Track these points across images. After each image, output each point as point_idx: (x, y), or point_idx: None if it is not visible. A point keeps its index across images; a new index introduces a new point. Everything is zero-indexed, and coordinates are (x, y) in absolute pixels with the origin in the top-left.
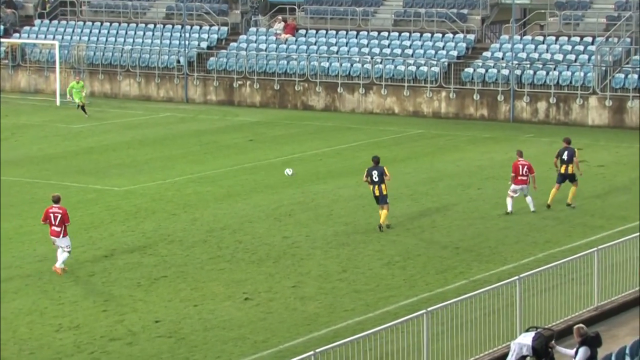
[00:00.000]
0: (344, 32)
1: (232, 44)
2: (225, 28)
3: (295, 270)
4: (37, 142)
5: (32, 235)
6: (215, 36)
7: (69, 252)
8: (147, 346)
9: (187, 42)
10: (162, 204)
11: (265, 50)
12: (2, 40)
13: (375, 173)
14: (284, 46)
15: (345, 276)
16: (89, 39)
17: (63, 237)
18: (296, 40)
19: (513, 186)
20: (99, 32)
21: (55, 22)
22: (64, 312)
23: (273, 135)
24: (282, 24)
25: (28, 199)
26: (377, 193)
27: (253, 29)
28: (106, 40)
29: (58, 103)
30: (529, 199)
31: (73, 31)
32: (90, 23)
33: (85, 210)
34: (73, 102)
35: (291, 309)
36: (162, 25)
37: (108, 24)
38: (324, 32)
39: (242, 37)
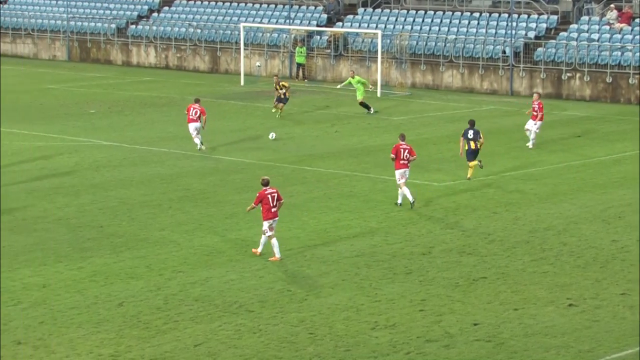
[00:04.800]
0: None
1: (561, 33)
2: (555, 17)
3: (624, 277)
4: (357, 133)
5: (350, 230)
6: (544, 25)
7: None
8: (465, 349)
9: (513, 32)
10: (483, 201)
11: (598, 41)
12: (325, 29)
13: (471, 132)
14: (618, 36)
15: None
16: (411, 28)
17: None
18: (632, 30)
19: (396, 172)
20: (422, 20)
21: (378, 10)
22: (380, 310)
23: (604, 131)
24: (616, 12)
25: (347, 192)
26: (472, 147)
27: (585, 18)
28: (429, 29)
29: (379, 94)
30: (406, 189)
31: (396, 20)
32: (414, 12)
33: (403, 205)
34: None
35: (619, 318)
36: (488, 14)
37: (432, 12)
38: None
39: (573, 26)
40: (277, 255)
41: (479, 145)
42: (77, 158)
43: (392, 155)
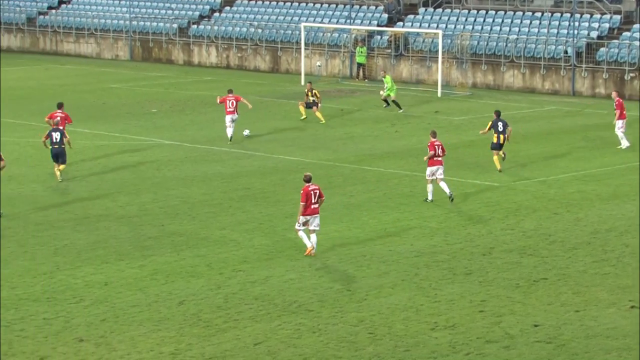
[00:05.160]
0: None
1: (624, 33)
2: (618, 16)
3: None
4: (417, 133)
5: (410, 230)
6: (607, 25)
7: None
8: (525, 351)
9: (575, 32)
10: (543, 202)
11: None
12: (386, 29)
13: (500, 125)
14: None
15: None
16: (473, 28)
17: None
18: None
19: (428, 169)
20: (484, 20)
21: (439, 10)
22: (440, 310)
23: None
24: None
25: (407, 192)
26: (500, 141)
27: None
28: (490, 29)
29: (439, 94)
30: (443, 183)
31: (457, 20)
32: (475, 11)
33: (463, 205)
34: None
35: None
36: (549, 14)
37: (493, 12)
38: None
39: (636, 26)
40: (308, 244)
41: (507, 135)
42: (139, 157)
43: (432, 152)
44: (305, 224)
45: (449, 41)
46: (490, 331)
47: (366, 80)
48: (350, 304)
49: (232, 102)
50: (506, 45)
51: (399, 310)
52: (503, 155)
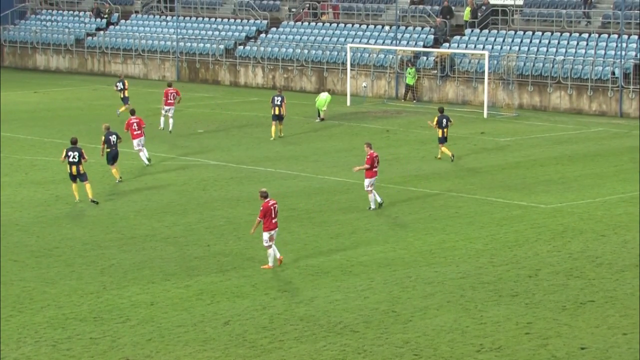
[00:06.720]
0: None
1: None
2: None
3: None
4: (463, 154)
5: (456, 251)
6: None
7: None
8: None
9: (623, 53)
10: (590, 223)
11: None
12: (432, 50)
13: (444, 121)
14: None
15: None
16: (519, 49)
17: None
18: None
19: (367, 180)
20: (530, 41)
21: (485, 31)
22: (486, 332)
23: None
24: None
25: (452, 214)
26: (444, 135)
27: None
28: (537, 50)
29: (485, 115)
30: (374, 193)
31: (503, 41)
32: (522, 32)
33: (509, 227)
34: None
35: None
36: (597, 35)
37: (540, 33)
38: None
39: None
40: (271, 264)
41: (447, 128)
42: (185, 177)
43: (367, 165)
44: (271, 239)
45: (495, 62)
46: (536, 354)
47: (414, 101)
48: (396, 325)
49: (173, 95)
50: (553, 67)
51: (445, 332)
52: (452, 158)
